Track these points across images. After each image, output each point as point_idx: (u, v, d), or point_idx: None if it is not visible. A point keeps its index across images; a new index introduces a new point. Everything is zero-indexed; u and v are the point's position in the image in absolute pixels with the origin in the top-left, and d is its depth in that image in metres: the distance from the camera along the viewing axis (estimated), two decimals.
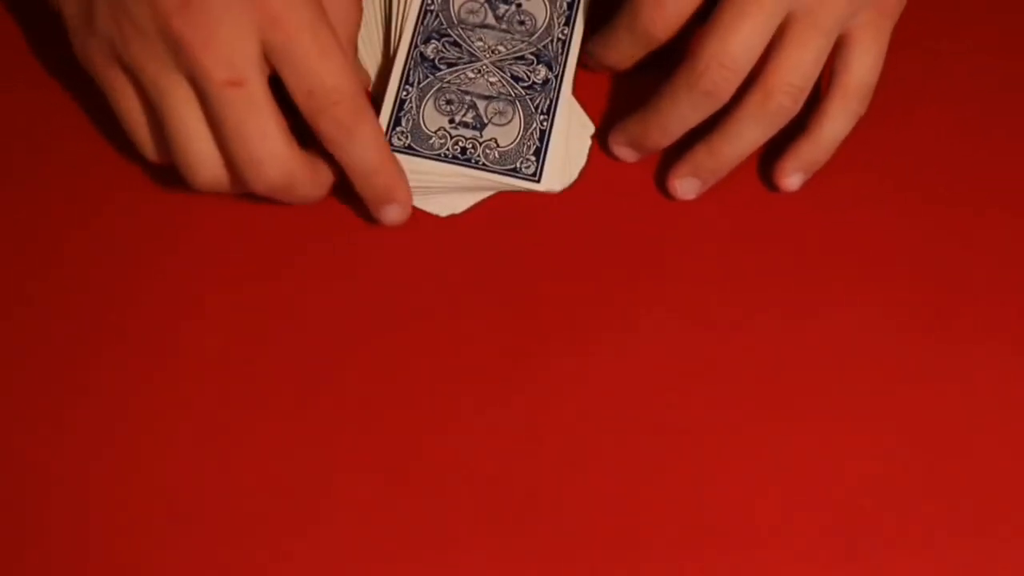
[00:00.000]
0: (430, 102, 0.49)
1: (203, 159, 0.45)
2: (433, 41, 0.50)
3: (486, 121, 0.49)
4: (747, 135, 0.47)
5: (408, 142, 0.49)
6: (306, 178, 0.46)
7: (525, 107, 0.49)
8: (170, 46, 0.43)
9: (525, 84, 0.49)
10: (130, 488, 0.46)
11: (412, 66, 0.50)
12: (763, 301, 0.49)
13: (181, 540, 0.45)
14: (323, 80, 0.44)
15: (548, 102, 0.49)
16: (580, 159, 0.50)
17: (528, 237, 0.49)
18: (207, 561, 0.45)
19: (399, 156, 0.48)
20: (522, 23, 0.50)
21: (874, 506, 0.47)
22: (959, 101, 0.52)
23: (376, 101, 0.50)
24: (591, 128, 0.51)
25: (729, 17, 0.45)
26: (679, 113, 0.47)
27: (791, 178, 0.49)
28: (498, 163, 0.48)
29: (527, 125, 0.49)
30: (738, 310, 0.49)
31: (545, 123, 0.49)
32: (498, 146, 0.48)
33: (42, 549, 0.45)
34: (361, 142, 0.46)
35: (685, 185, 0.49)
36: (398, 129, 0.49)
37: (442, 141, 0.49)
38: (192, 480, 0.46)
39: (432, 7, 0.50)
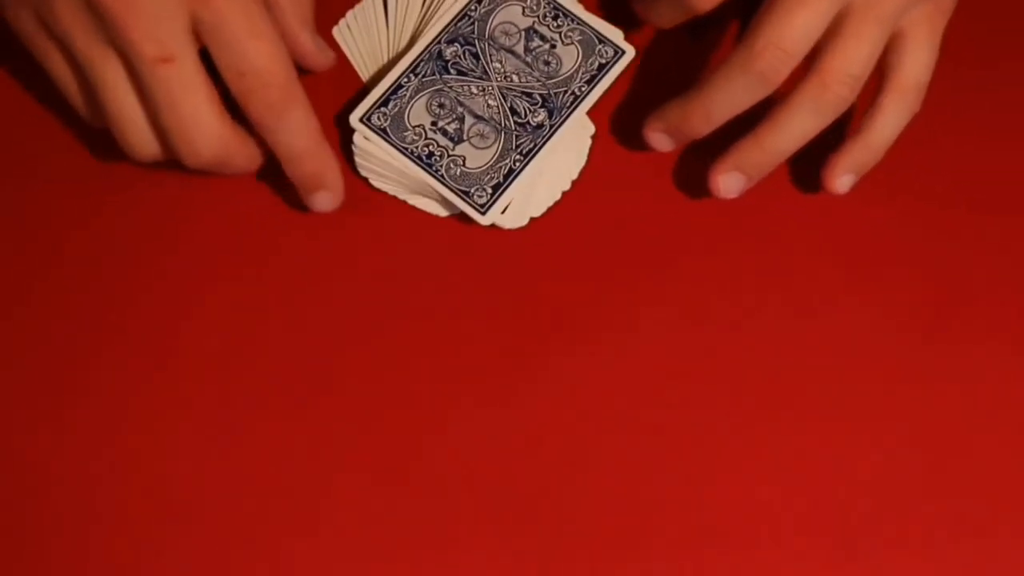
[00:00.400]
0: (424, 98, 0.49)
1: (137, 133, 0.44)
2: (456, 45, 0.50)
3: (465, 138, 0.49)
4: (800, 126, 0.46)
5: (385, 125, 0.49)
6: (239, 152, 0.45)
7: (508, 141, 0.49)
8: (98, 19, 0.42)
9: (519, 120, 0.49)
10: (130, 488, 0.46)
11: (425, 59, 0.50)
12: (763, 301, 0.49)
13: (181, 540, 0.45)
14: (253, 62, 0.43)
15: (532, 146, 0.49)
16: (549, 197, 0.50)
17: (528, 237, 0.49)
18: (207, 561, 0.45)
19: (370, 134, 0.48)
20: (547, 63, 0.49)
21: (874, 506, 0.47)
22: (958, 101, 0.52)
23: (370, 85, 0.51)
24: (591, 129, 0.51)
25: (790, 1, 0.44)
26: (728, 96, 0.46)
27: (841, 179, 0.48)
28: (455, 180, 0.48)
29: (500, 158, 0.48)
30: (738, 310, 0.49)
31: (518, 164, 0.48)
32: (463, 165, 0.48)
33: (42, 549, 0.45)
34: (289, 128, 0.45)
35: (728, 181, 0.47)
36: (382, 110, 0.49)
37: (415, 138, 0.49)
38: (192, 480, 0.46)
39: (473, 14, 0.50)
